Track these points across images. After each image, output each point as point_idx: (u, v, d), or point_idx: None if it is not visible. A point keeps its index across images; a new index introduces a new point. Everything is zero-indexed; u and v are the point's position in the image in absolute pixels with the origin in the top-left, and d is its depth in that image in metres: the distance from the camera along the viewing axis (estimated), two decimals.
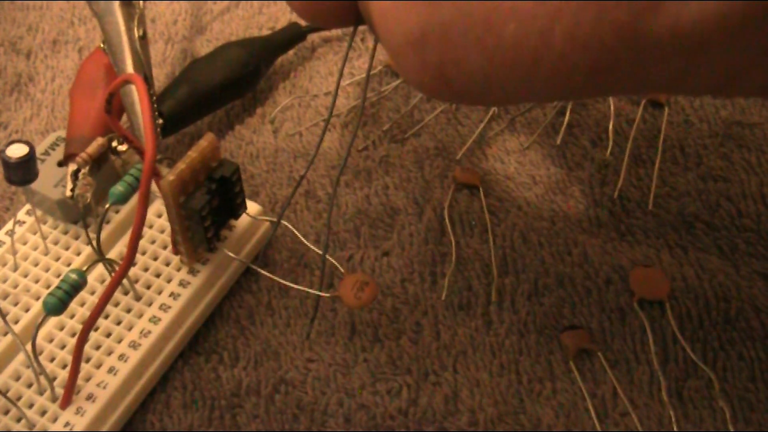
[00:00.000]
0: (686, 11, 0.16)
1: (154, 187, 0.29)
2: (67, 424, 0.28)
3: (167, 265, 0.31)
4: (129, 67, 0.32)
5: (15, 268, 0.31)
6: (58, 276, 0.31)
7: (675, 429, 0.29)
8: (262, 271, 0.31)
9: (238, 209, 0.31)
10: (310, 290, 0.31)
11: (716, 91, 0.19)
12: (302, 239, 0.32)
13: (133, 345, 0.29)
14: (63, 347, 0.30)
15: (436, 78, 0.20)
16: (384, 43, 0.21)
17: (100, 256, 0.29)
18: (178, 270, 0.31)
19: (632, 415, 0.29)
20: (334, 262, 0.31)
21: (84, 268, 0.27)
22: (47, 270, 0.31)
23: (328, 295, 0.30)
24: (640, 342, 0.31)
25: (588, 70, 0.18)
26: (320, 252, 0.31)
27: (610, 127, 0.36)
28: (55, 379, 0.29)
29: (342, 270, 0.30)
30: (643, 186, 0.35)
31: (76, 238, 0.32)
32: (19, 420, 0.28)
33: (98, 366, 0.29)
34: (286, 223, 0.32)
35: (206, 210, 0.29)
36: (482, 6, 0.18)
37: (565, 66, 0.18)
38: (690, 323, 0.31)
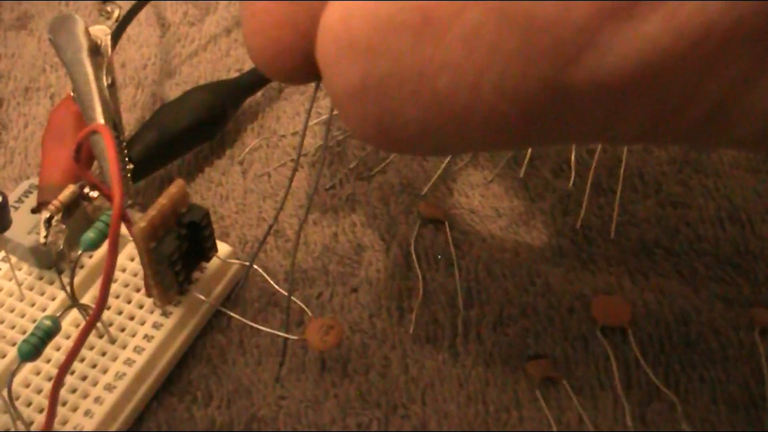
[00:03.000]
0: (606, 61, 0.17)
1: (125, 231, 0.30)
2: None
3: (140, 307, 0.32)
4: (98, 115, 0.33)
5: None
6: (34, 321, 0.31)
7: None
8: (232, 314, 0.32)
9: (208, 252, 0.32)
10: (278, 333, 0.31)
11: (645, 138, 0.20)
12: (271, 282, 0.33)
13: (109, 387, 0.30)
14: (39, 392, 0.30)
15: (376, 129, 0.21)
16: (330, 95, 0.21)
17: (73, 301, 0.30)
18: (152, 312, 0.32)
19: None
20: (301, 304, 0.31)
21: (58, 314, 0.28)
22: (23, 316, 0.32)
23: (295, 337, 0.31)
24: (604, 369, 0.31)
25: (518, 122, 0.19)
26: (285, 292, 0.32)
27: (572, 157, 0.37)
28: (32, 423, 0.29)
29: (309, 313, 0.31)
30: (604, 215, 0.36)
31: (51, 283, 0.33)
32: None
33: (74, 409, 0.30)
34: (255, 266, 0.33)
35: (176, 255, 0.30)
36: (417, 60, 0.19)
37: (495, 117, 0.19)
38: (651, 348, 0.32)
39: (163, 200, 0.29)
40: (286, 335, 0.31)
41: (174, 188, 0.30)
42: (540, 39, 0.18)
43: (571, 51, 0.18)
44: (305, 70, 0.23)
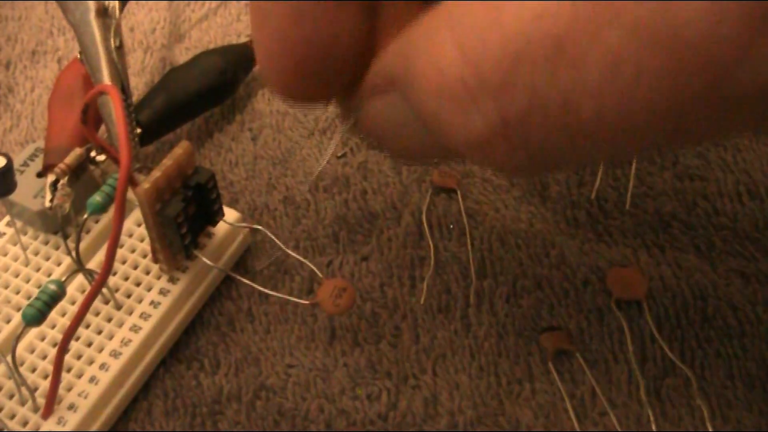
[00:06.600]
0: (763, 71, 0.16)
1: (132, 195, 0.29)
2: None
3: (147, 273, 0.31)
4: (105, 78, 0.32)
5: None
6: (39, 286, 0.31)
7: (654, 428, 0.29)
8: (242, 279, 0.31)
9: (215, 216, 0.31)
10: (289, 297, 0.31)
11: None
12: (282, 246, 0.32)
13: (114, 354, 0.30)
14: (44, 357, 0.30)
15: (528, 161, 0.20)
16: (460, 141, 0.20)
17: (79, 266, 0.29)
18: (158, 278, 0.31)
19: (611, 415, 0.29)
20: (312, 267, 0.31)
21: (63, 279, 0.27)
22: (28, 281, 0.32)
23: (307, 302, 0.30)
24: (618, 342, 0.31)
25: (667, 134, 0.19)
26: (300, 258, 0.31)
27: None
28: (36, 389, 0.29)
29: (320, 275, 0.31)
30: (620, 186, 0.35)
31: (57, 248, 0.32)
32: (0, 431, 0.28)
33: (79, 375, 0.29)
34: (265, 230, 0.32)
35: (182, 217, 0.29)
36: (557, 91, 0.18)
37: (644, 133, 0.18)
38: (668, 322, 0.31)
39: (168, 161, 0.29)
40: (295, 299, 0.30)
41: (179, 149, 0.29)
42: (689, 57, 0.17)
43: (724, 67, 0.17)
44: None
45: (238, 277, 0.31)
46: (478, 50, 0.18)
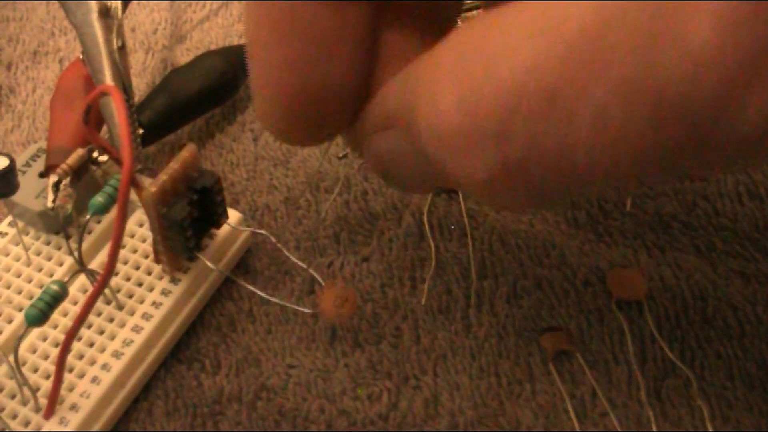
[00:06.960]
0: (743, 120, 0.17)
1: (134, 196, 0.29)
2: None
3: (149, 274, 0.32)
4: (107, 78, 0.32)
5: None
6: (41, 287, 0.31)
7: (654, 428, 0.29)
8: (242, 283, 0.31)
9: (219, 218, 0.31)
10: (289, 305, 0.31)
11: None
12: (283, 250, 0.32)
13: (116, 354, 0.30)
14: (46, 358, 0.30)
15: (527, 201, 0.21)
16: (465, 182, 0.21)
17: (81, 266, 0.29)
18: (160, 279, 0.31)
19: (611, 416, 0.29)
20: (313, 273, 0.31)
21: (65, 279, 0.27)
22: (30, 281, 0.32)
23: (309, 310, 0.30)
24: (619, 342, 0.31)
25: (653, 175, 0.20)
26: (300, 263, 0.31)
27: None
28: (38, 389, 0.29)
29: (322, 282, 0.31)
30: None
31: (59, 248, 0.32)
32: (2, 431, 0.28)
33: (81, 376, 0.29)
34: (267, 233, 0.32)
35: (187, 221, 0.29)
36: (551, 141, 0.19)
37: (634, 176, 0.19)
38: (668, 323, 0.31)
39: (174, 165, 0.29)
40: (297, 307, 0.30)
41: (186, 153, 0.29)
42: (672, 113, 0.17)
43: (704, 121, 0.17)
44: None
45: (239, 281, 0.31)
46: (476, 101, 0.19)
